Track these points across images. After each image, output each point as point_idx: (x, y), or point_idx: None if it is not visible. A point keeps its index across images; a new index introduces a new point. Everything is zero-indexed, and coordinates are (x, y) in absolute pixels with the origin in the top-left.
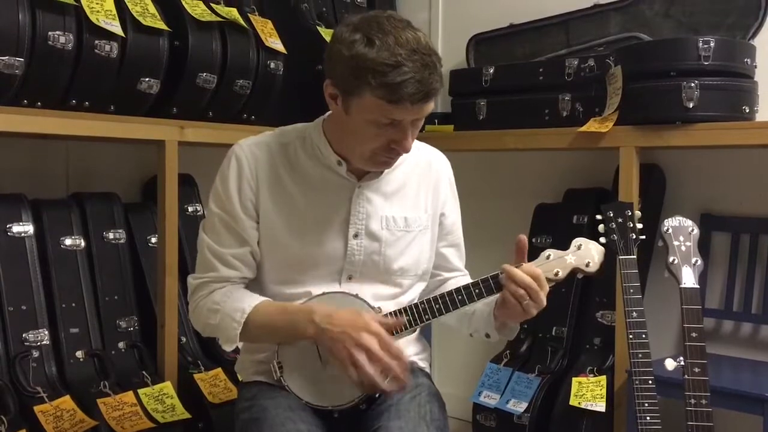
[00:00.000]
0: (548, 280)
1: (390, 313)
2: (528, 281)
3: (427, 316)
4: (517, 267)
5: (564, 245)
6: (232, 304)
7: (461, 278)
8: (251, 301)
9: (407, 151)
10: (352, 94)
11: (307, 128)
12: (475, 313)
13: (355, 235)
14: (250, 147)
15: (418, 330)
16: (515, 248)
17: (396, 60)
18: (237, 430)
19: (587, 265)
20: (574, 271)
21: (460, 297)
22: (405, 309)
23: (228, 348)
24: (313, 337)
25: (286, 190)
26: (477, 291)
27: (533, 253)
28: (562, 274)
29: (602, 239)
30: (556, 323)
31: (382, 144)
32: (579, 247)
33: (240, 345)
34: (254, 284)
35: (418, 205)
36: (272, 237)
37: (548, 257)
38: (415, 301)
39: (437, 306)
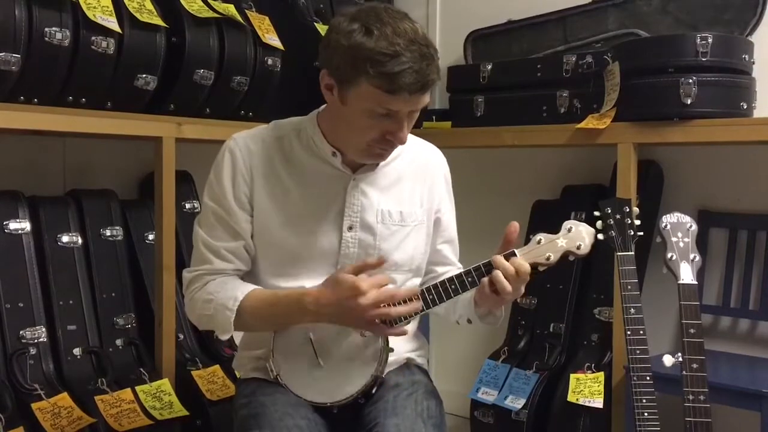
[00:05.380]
0: (540, 264)
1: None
2: (513, 277)
3: (421, 308)
4: (508, 255)
5: None
6: (225, 293)
7: (456, 271)
8: (244, 288)
9: (402, 142)
10: (349, 84)
11: (302, 121)
12: (459, 299)
13: (350, 228)
14: (244, 140)
15: (414, 322)
16: (505, 236)
17: (394, 50)
18: (236, 426)
19: (578, 248)
20: (566, 255)
21: (453, 287)
22: (398, 303)
23: (224, 337)
24: (314, 321)
25: (280, 183)
26: (470, 279)
27: None
28: (553, 258)
29: (600, 236)
30: (553, 320)
31: (377, 135)
32: (569, 230)
33: (237, 340)
34: (249, 277)
35: (413, 199)
36: (267, 230)
37: (539, 242)
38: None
39: (431, 297)
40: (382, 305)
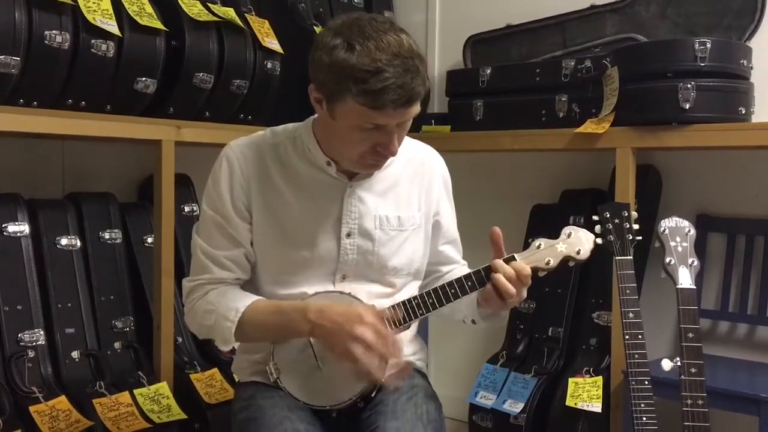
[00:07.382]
0: (540, 269)
1: (386, 309)
2: (515, 280)
3: (421, 311)
4: (508, 260)
5: None
6: (226, 304)
7: (461, 268)
8: (245, 300)
9: (393, 154)
10: (336, 100)
11: (297, 128)
12: (463, 299)
13: (348, 235)
14: (240, 148)
15: (414, 326)
16: (492, 242)
17: (376, 66)
18: (234, 430)
19: (578, 253)
20: (566, 260)
21: (453, 290)
22: (399, 305)
23: (224, 348)
24: (308, 334)
25: (277, 191)
26: (470, 283)
27: None
28: (553, 263)
29: (599, 240)
30: (552, 324)
31: (368, 148)
32: (569, 235)
33: (236, 345)
34: (249, 285)
35: (410, 203)
36: (265, 238)
37: (539, 247)
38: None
39: (431, 300)
40: (369, 350)
